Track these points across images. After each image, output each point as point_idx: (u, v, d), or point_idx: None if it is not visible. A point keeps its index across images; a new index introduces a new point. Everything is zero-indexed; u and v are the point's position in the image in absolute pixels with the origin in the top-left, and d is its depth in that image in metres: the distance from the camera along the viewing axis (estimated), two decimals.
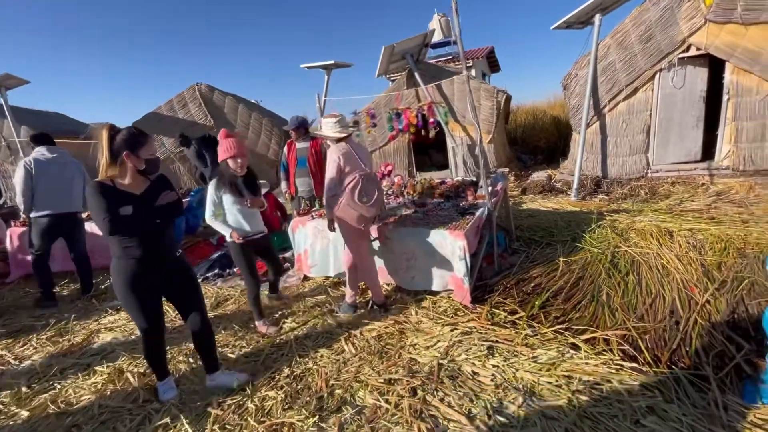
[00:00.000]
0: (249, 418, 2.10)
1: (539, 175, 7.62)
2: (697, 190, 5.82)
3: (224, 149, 2.87)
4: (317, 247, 3.75)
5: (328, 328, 3.02)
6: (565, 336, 2.54)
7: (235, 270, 4.33)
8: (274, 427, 2.04)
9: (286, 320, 3.19)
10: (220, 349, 2.77)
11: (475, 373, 2.30)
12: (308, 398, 2.22)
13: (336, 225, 3.06)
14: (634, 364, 2.19)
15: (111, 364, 2.74)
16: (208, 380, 2.45)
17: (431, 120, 4.09)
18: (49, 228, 3.77)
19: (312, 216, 3.88)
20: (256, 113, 9.39)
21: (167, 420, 2.15)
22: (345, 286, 3.35)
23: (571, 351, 2.37)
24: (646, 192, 6.03)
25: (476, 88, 7.74)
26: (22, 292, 4.33)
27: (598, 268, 3.37)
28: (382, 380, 2.29)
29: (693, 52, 6.02)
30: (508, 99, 8.88)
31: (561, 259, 3.58)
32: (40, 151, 3.76)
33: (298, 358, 2.63)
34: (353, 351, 2.66)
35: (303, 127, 4.55)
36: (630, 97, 6.51)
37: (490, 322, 2.80)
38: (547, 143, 10.22)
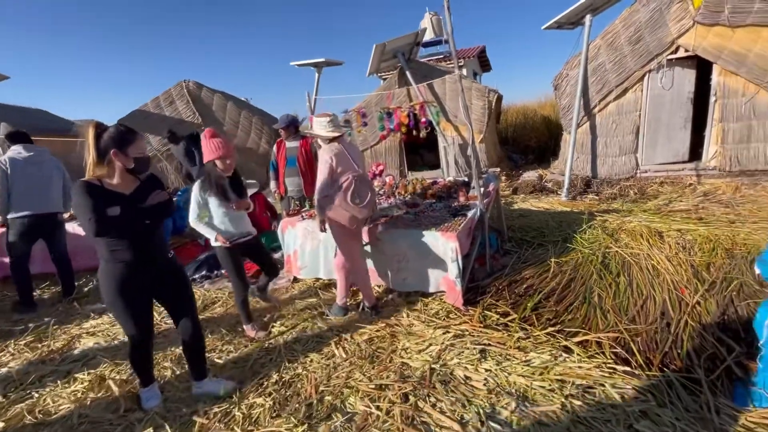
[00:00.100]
0: (236, 427, 2.04)
1: (530, 175, 7.64)
2: (685, 191, 5.89)
3: (211, 149, 2.77)
4: (307, 248, 3.68)
5: (319, 331, 2.96)
6: (557, 339, 2.52)
7: (223, 271, 4.24)
8: None
9: (275, 324, 3.13)
10: (206, 354, 2.69)
11: (467, 377, 2.26)
12: (297, 405, 2.16)
13: (327, 226, 3.00)
14: (627, 368, 2.18)
15: (92, 371, 2.64)
16: (194, 387, 2.38)
17: (423, 120, 4.05)
18: (28, 229, 3.63)
19: (302, 216, 3.81)
20: (246, 111, 9.26)
21: (150, 429, 2.07)
22: (335, 288, 3.30)
23: (564, 354, 2.35)
24: (636, 192, 6.08)
25: (468, 87, 7.72)
26: (0, 296, 4.18)
27: (590, 269, 3.36)
28: (373, 386, 2.25)
29: (681, 53, 6.09)
30: (500, 98, 8.89)
31: (553, 260, 3.57)
32: (17, 150, 3.62)
33: (287, 363, 2.57)
34: (344, 355, 2.61)
35: (293, 126, 4.47)
36: (620, 98, 6.56)
37: (482, 325, 2.77)
38: (538, 143, 10.28)
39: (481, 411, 1.98)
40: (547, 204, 6.09)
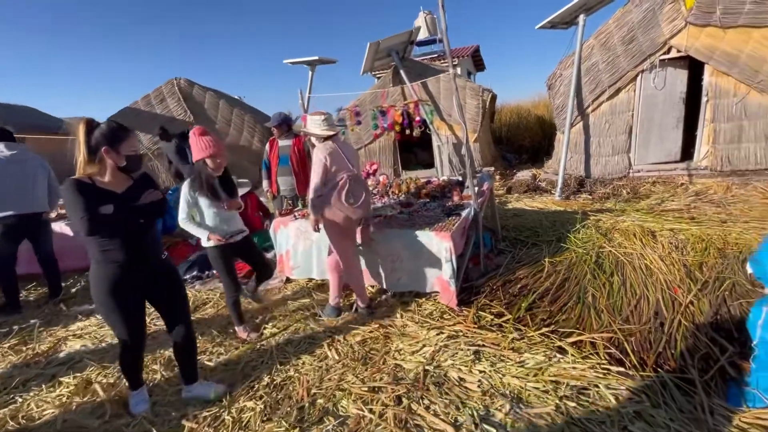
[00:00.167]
0: None
1: (524, 175, 7.65)
2: (677, 190, 5.92)
3: (201, 147, 2.71)
4: (300, 248, 3.63)
5: (311, 332, 2.93)
6: (551, 339, 2.50)
7: (214, 272, 4.18)
8: None
9: (267, 325, 3.08)
10: (197, 356, 2.64)
11: (461, 379, 2.24)
12: (288, 409, 2.13)
13: (320, 225, 2.96)
14: (621, 368, 2.17)
15: (78, 374, 2.58)
16: (184, 391, 2.33)
17: (417, 118, 4.02)
18: (12, 230, 3.54)
19: (294, 216, 3.76)
20: (238, 109, 9.17)
21: None
22: (328, 289, 3.26)
23: (558, 355, 2.34)
24: (628, 191, 6.10)
25: (462, 86, 7.71)
26: None
27: (583, 268, 3.36)
28: (366, 388, 2.21)
29: (674, 54, 6.12)
30: (494, 98, 8.88)
31: (547, 259, 3.56)
32: None
33: (278, 366, 2.53)
34: (336, 357, 2.57)
35: (286, 124, 4.42)
36: (613, 98, 6.58)
37: (476, 326, 2.75)
38: (532, 142, 10.31)
39: (475, 413, 1.96)
40: (541, 203, 6.09)
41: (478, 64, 19.28)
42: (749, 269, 2.40)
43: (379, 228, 3.26)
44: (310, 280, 3.75)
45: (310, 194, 2.89)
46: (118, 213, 1.85)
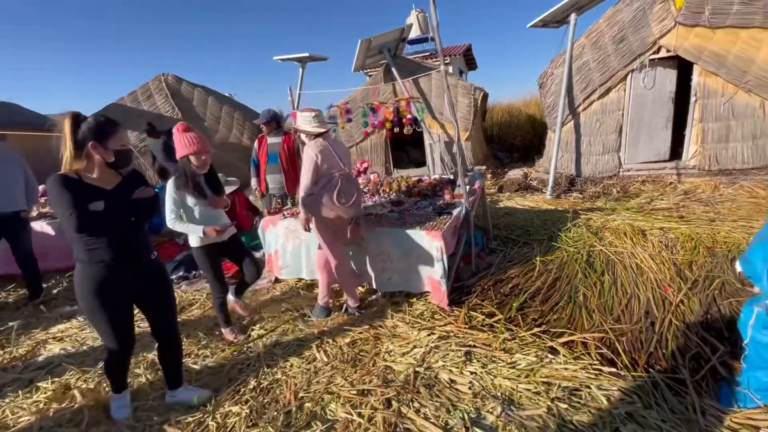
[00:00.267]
0: None
1: (515, 173, 7.65)
2: (666, 189, 5.97)
3: (184, 144, 2.60)
4: (288, 248, 3.57)
5: (300, 334, 2.87)
6: (543, 339, 2.48)
7: (201, 272, 4.09)
8: None
9: (254, 327, 3.01)
10: (182, 359, 2.56)
11: (452, 380, 2.20)
12: (275, 413, 2.07)
13: (311, 225, 2.91)
14: (613, 369, 2.15)
15: (57, 379, 2.49)
16: (168, 396, 2.26)
17: (408, 116, 3.98)
18: None
19: (284, 215, 3.69)
20: (227, 106, 9.02)
21: None
22: (318, 288, 3.20)
23: (550, 355, 2.31)
24: (618, 190, 6.13)
25: (453, 84, 7.69)
26: None
27: (575, 267, 3.35)
28: (355, 391, 2.16)
29: (663, 53, 6.16)
30: (485, 96, 8.87)
31: (538, 258, 3.54)
32: None
33: (266, 369, 2.46)
34: (325, 359, 2.52)
35: (275, 121, 4.34)
36: (603, 97, 6.60)
37: (467, 326, 2.72)
38: (523, 141, 10.33)
39: (465, 416, 1.92)
40: (532, 202, 6.10)
41: (470, 62, 19.29)
42: (738, 268, 2.41)
43: (369, 227, 3.21)
44: (300, 280, 3.69)
45: (301, 193, 2.83)
46: (109, 210, 1.77)
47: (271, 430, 1.94)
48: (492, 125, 12.02)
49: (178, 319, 3.17)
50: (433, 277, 2.98)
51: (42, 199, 5.19)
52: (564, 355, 2.30)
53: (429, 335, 2.64)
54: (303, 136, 2.98)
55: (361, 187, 4.30)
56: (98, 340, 2.98)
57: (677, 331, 2.40)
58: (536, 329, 2.59)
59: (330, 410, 2.06)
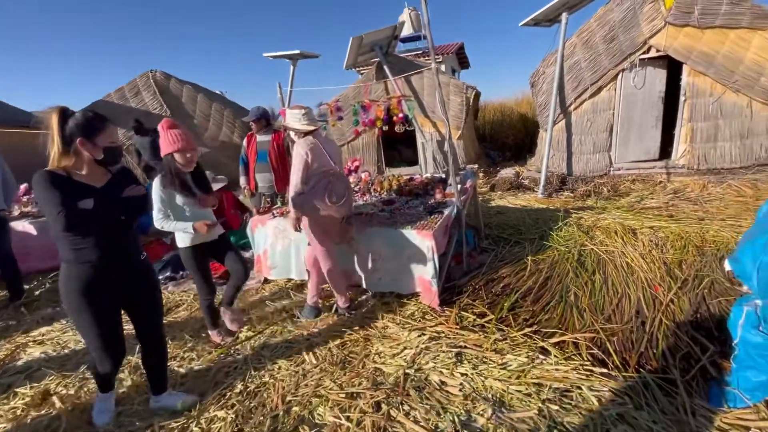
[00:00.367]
0: None
1: (507, 172, 7.66)
2: (656, 188, 6.01)
3: (169, 141, 2.52)
4: (278, 248, 3.51)
5: (288, 336, 2.82)
6: (534, 339, 2.46)
7: (189, 272, 4.01)
8: None
9: (242, 328, 2.95)
10: (167, 363, 2.50)
11: (442, 382, 2.17)
12: (261, 418, 2.02)
13: (302, 225, 2.86)
14: (604, 369, 2.14)
15: (35, 384, 2.41)
16: (152, 401, 2.19)
17: (400, 115, 3.94)
18: None
19: (273, 214, 3.63)
20: (217, 104, 8.89)
21: None
22: (307, 288, 3.15)
23: (541, 356, 2.29)
24: (609, 189, 6.16)
25: (445, 83, 7.66)
26: None
27: (566, 267, 3.34)
28: (344, 394, 2.12)
29: (653, 53, 6.19)
30: (477, 95, 8.87)
31: (529, 258, 3.53)
32: None
33: (253, 372, 2.41)
34: (314, 361, 2.47)
35: (264, 119, 4.27)
36: (594, 96, 6.62)
37: (458, 326, 2.69)
38: (515, 140, 10.35)
39: (456, 419, 1.90)
40: (524, 201, 6.10)
41: (463, 61, 19.28)
42: (727, 267, 2.40)
43: (360, 226, 3.17)
44: (289, 280, 3.63)
45: (291, 192, 2.77)
46: (99, 208, 1.71)
47: None
48: (484, 124, 12.03)
49: (165, 321, 3.12)
50: (424, 277, 2.95)
51: (24, 198, 5.06)
52: (555, 356, 2.28)
53: (420, 336, 2.61)
54: (292, 134, 2.93)
55: (352, 186, 4.26)
56: (80, 342, 2.90)
57: (667, 331, 2.40)
58: (527, 329, 2.57)
59: (318, 414, 2.02)
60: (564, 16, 6.06)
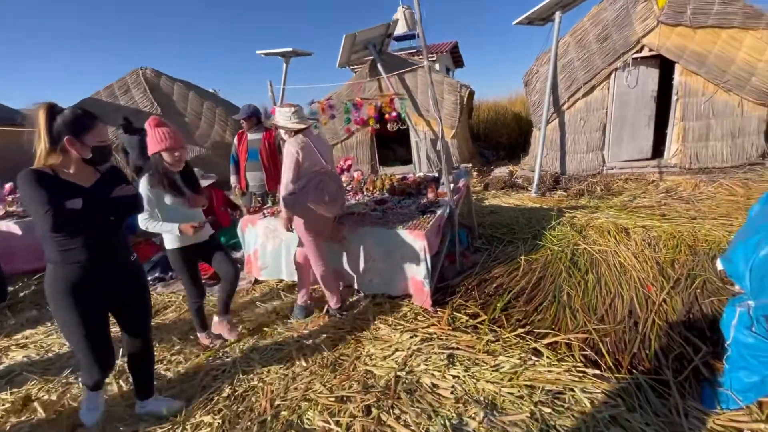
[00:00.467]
0: None
1: (501, 171, 7.65)
2: (648, 187, 6.02)
3: (156, 140, 2.45)
4: (268, 248, 3.46)
5: (279, 338, 2.77)
6: (527, 340, 2.44)
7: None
8: None
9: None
10: (154, 367, 2.44)
11: (434, 385, 2.14)
12: (249, 423, 1.97)
13: (293, 225, 2.81)
14: (597, 371, 2.12)
15: (17, 390, 2.34)
16: (138, 406, 2.14)
17: (393, 113, 3.90)
18: None
19: (263, 214, 3.58)
20: (209, 102, 8.80)
21: None
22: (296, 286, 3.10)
23: (534, 357, 2.27)
24: (602, 188, 6.16)
25: (439, 81, 7.63)
26: None
27: (559, 266, 3.33)
28: (334, 398, 2.08)
29: (646, 52, 6.20)
30: (471, 94, 8.84)
31: (522, 257, 3.51)
32: None
33: (241, 375, 2.36)
34: (304, 364, 2.43)
35: (255, 117, 4.21)
36: (588, 95, 6.63)
37: (451, 327, 2.66)
38: (509, 139, 10.35)
39: (447, 423, 1.86)
40: (518, 200, 6.09)
41: (457, 60, 19.29)
42: (719, 266, 2.40)
43: (352, 226, 3.13)
44: (280, 281, 3.58)
45: (282, 191, 2.72)
46: (88, 208, 1.65)
47: None
48: (478, 123, 12.03)
49: (153, 323, 3.05)
50: (416, 277, 2.92)
51: (9, 198, 4.95)
52: (548, 357, 2.26)
53: (411, 338, 2.58)
54: (282, 133, 2.88)
55: (345, 185, 4.21)
56: (65, 345, 2.83)
57: (660, 331, 2.39)
58: (520, 330, 2.55)
59: (307, 419, 1.98)
60: (557, 14, 6.05)
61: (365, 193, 4.05)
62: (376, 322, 2.82)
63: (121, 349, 2.13)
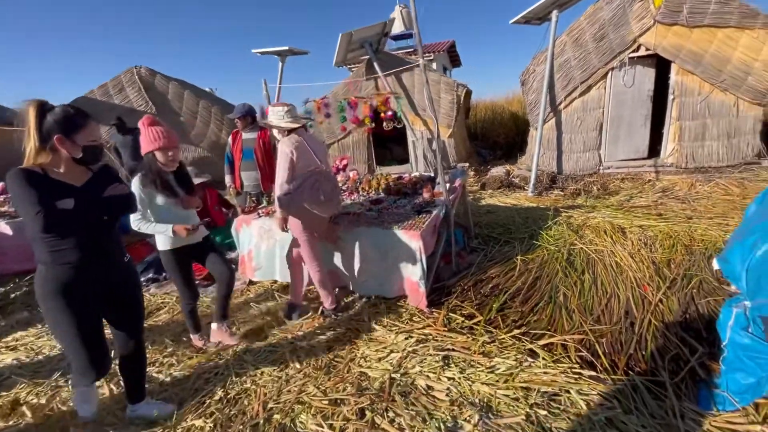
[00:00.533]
0: None
1: (498, 171, 7.64)
2: (644, 187, 6.02)
3: (150, 139, 2.40)
4: (262, 248, 3.42)
5: (273, 339, 2.74)
6: (523, 342, 2.42)
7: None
8: None
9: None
10: (146, 370, 2.40)
11: (429, 387, 2.12)
12: (241, 426, 1.94)
13: (288, 225, 2.79)
14: (593, 372, 2.10)
15: (5, 393, 2.30)
16: (129, 410, 2.10)
17: (389, 113, 3.87)
18: None
19: (258, 214, 3.54)
20: (205, 101, 8.74)
21: None
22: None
23: (529, 359, 2.25)
24: (598, 188, 6.16)
25: (436, 81, 7.61)
26: None
27: (555, 266, 3.31)
28: (327, 401, 2.06)
29: (642, 52, 6.20)
30: (469, 93, 8.84)
31: (519, 257, 3.49)
32: None
33: (234, 378, 2.33)
34: (298, 366, 2.40)
35: (250, 116, 4.17)
36: (584, 95, 6.62)
37: (446, 328, 2.64)
38: (506, 138, 10.34)
39: (442, 425, 1.84)
40: (515, 200, 6.08)
41: (454, 59, 19.26)
42: (716, 266, 2.38)
43: (347, 226, 3.10)
44: (275, 281, 3.55)
45: (277, 191, 2.69)
46: (80, 208, 1.62)
47: None
48: (476, 122, 12.01)
49: (144, 325, 3.02)
50: (412, 278, 2.89)
51: (1, 198, 4.90)
52: (544, 358, 2.24)
53: (407, 339, 2.55)
54: (276, 133, 2.85)
55: (340, 184, 4.18)
56: (55, 348, 2.79)
57: (656, 332, 2.38)
58: (516, 331, 2.53)
59: (300, 422, 1.95)
60: (554, 13, 6.03)
61: (361, 192, 4.03)
62: (371, 323, 2.80)
63: (113, 351, 2.10)
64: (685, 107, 6.19)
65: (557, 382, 2.05)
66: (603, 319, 2.60)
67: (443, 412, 1.92)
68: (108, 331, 1.96)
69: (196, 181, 3.25)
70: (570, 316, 2.66)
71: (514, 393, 2.00)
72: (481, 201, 6.15)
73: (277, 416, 1.99)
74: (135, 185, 2.37)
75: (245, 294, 3.49)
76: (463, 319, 2.73)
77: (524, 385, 2.05)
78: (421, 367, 2.27)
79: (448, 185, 3.52)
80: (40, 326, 3.13)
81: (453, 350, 2.40)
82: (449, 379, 2.16)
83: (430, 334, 2.59)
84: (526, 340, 2.43)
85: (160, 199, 2.41)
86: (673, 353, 2.18)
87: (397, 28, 15.11)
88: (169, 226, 2.36)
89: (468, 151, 8.87)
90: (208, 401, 2.15)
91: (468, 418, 1.88)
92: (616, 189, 6.07)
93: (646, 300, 2.72)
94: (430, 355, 2.37)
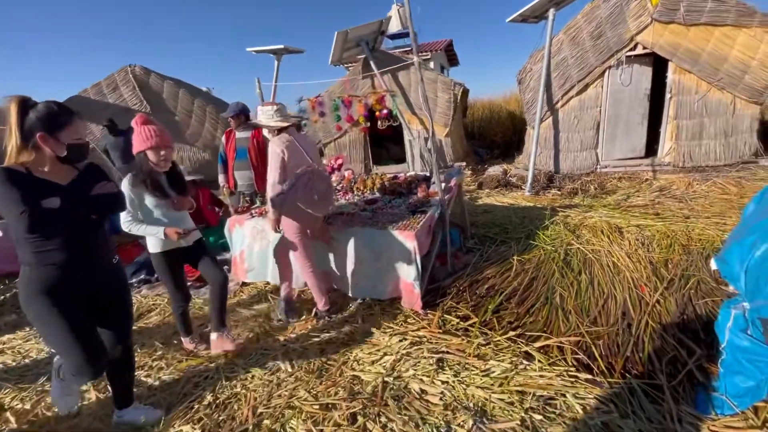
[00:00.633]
0: None
1: (495, 170, 7.60)
2: (642, 186, 5.99)
3: (142, 138, 2.33)
4: (255, 249, 3.37)
5: (264, 342, 2.69)
6: (518, 344, 2.38)
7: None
8: None
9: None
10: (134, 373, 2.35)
11: (423, 391, 2.07)
12: None
13: (281, 225, 2.74)
14: (589, 375, 2.06)
15: None
16: (115, 416, 2.05)
17: (384, 111, 3.83)
18: None
19: (251, 214, 3.49)
20: (200, 100, 8.66)
21: None
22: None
23: (525, 362, 2.21)
24: (596, 187, 6.13)
25: (433, 79, 7.57)
26: None
27: (552, 267, 3.27)
28: (318, 405, 2.01)
29: (639, 50, 6.17)
30: (466, 92, 8.78)
31: (515, 257, 3.46)
32: None
33: (224, 381, 2.28)
34: (289, 369, 2.35)
35: (243, 115, 4.12)
36: (581, 93, 6.59)
37: (441, 330, 2.60)
38: (503, 138, 10.31)
39: (435, 431, 1.80)
40: (511, 199, 6.04)
41: (452, 58, 19.23)
42: (714, 266, 2.35)
43: (341, 226, 3.05)
44: (268, 283, 3.50)
45: (269, 191, 2.64)
46: (66, 207, 1.56)
47: None
48: (473, 121, 11.98)
49: (135, 327, 2.98)
50: (406, 279, 2.85)
51: None
52: (539, 361, 2.20)
53: (401, 341, 2.51)
54: (266, 132, 2.80)
55: (334, 184, 4.14)
56: (43, 351, 2.74)
57: (654, 333, 2.34)
58: (512, 333, 2.49)
59: (290, 427, 1.91)
60: (551, 12, 5.99)
61: (355, 192, 3.98)
62: (365, 325, 2.76)
63: None
64: (682, 106, 6.16)
65: (553, 385, 2.01)
66: (600, 321, 2.56)
67: (436, 417, 1.88)
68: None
69: (188, 178, 3.20)
70: (566, 317, 2.62)
71: (509, 397, 1.96)
72: (478, 200, 6.12)
73: (266, 422, 1.95)
74: (125, 185, 2.31)
75: (238, 295, 3.45)
76: (458, 320, 2.69)
77: (519, 388, 2.01)
78: (415, 370, 2.23)
79: (443, 184, 3.48)
80: (28, 329, 3.08)
81: (447, 353, 2.36)
82: (443, 382, 2.11)
83: (425, 336, 2.54)
84: (522, 342, 2.39)
85: (148, 200, 2.35)
86: (671, 355, 2.14)
87: (395, 27, 15.06)
88: (160, 228, 2.30)
89: (465, 150, 8.83)
90: (196, 406, 2.11)
91: (462, 423, 1.84)
92: (613, 188, 6.04)
93: (644, 301, 2.69)
94: (424, 357, 2.33)
